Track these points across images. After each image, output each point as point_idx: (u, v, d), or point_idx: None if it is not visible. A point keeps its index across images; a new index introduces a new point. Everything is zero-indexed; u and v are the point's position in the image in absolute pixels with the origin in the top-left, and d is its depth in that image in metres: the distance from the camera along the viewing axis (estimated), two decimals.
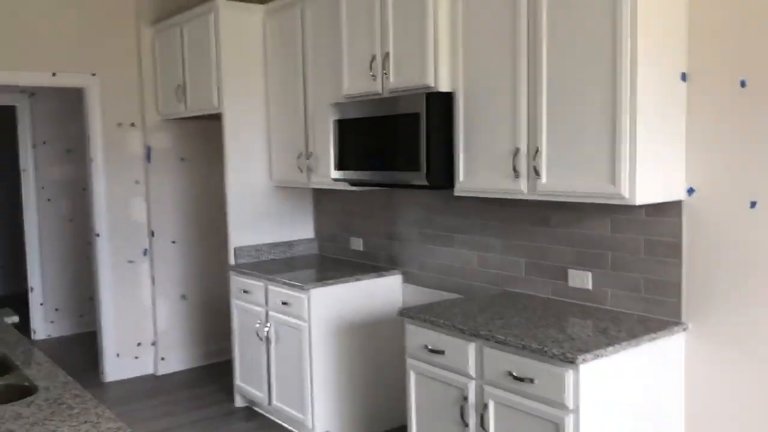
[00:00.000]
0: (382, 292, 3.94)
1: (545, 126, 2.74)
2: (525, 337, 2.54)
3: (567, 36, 2.63)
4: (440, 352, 2.86)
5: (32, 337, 6.24)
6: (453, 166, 3.16)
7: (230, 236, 4.36)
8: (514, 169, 2.85)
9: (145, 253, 5.17)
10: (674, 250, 2.71)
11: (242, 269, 4.19)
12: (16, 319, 3.06)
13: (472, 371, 2.73)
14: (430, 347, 2.90)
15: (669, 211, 2.72)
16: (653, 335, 2.57)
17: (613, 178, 2.52)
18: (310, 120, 4.05)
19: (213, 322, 5.33)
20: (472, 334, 2.70)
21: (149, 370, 5.21)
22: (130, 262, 5.13)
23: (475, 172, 3.05)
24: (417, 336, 2.98)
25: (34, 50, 4.62)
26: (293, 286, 3.74)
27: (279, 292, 3.88)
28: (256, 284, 4.08)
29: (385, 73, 3.38)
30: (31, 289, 6.23)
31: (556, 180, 2.72)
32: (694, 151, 2.64)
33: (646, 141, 2.49)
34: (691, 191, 2.65)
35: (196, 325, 5.33)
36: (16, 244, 6.89)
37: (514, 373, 2.54)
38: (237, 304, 4.30)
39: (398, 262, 4.05)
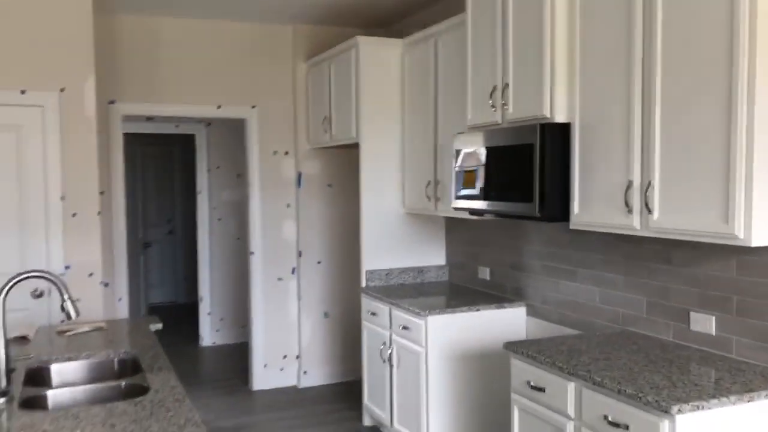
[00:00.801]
0: (504, 323, 3.90)
1: (658, 158, 2.60)
2: (623, 381, 2.42)
3: (681, 63, 2.49)
4: (541, 390, 2.79)
5: (199, 343, 6.88)
6: (568, 198, 3.09)
7: (363, 259, 4.55)
8: (626, 204, 2.73)
9: (293, 271, 5.53)
10: None
11: (371, 292, 4.36)
12: (159, 326, 3.44)
13: (570, 411, 2.64)
14: (532, 383, 2.84)
15: None
16: None
17: (727, 216, 2.33)
18: (439, 149, 4.14)
19: (351, 341, 5.55)
20: (571, 374, 2.61)
21: (292, 382, 5.53)
22: (280, 279, 5.51)
23: (589, 206, 2.96)
24: (521, 371, 2.93)
25: (203, 86, 5.18)
26: (413, 312, 3.82)
27: (401, 316, 3.99)
28: (382, 307, 4.22)
29: (504, 104, 3.38)
30: (201, 299, 6.89)
31: (669, 216, 2.57)
32: None
33: (764, 178, 2.28)
34: None
35: (336, 342, 5.59)
36: (195, 259, 7.63)
37: (610, 418, 2.42)
38: (366, 325, 4.47)
39: (523, 294, 3.99)
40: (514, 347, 2.95)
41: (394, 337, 4.09)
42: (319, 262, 5.51)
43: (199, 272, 6.89)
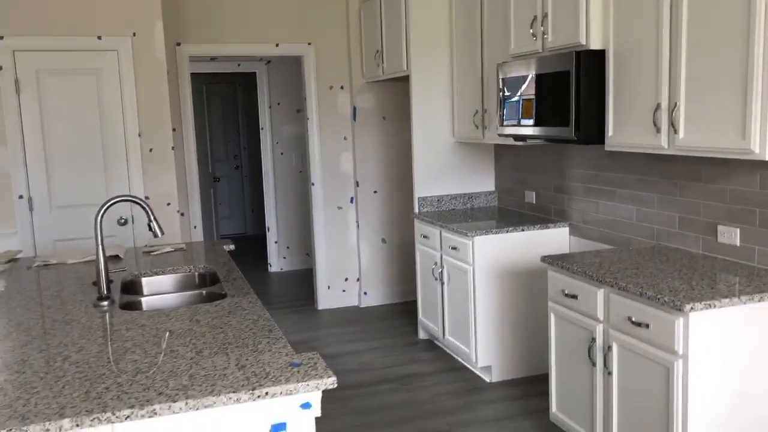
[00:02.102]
0: (548, 242, 4.15)
1: (684, 80, 2.76)
2: (646, 286, 2.66)
3: None
4: (574, 297, 3.06)
5: (268, 270, 7.39)
6: (603, 121, 3.28)
7: (415, 187, 4.84)
8: (655, 124, 2.91)
9: (351, 200, 5.88)
10: None
11: (424, 217, 4.66)
12: (232, 247, 3.84)
13: (599, 315, 2.91)
14: (566, 291, 3.12)
15: None
16: None
17: (744, 132, 2.50)
18: (486, 79, 4.33)
19: (407, 264, 5.91)
20: (600, 281, 2.87)
21: (354, 302, 5.96)
22: (339, 208, 5.87)
23: (622, 128, 3.15)
24: (556, 281, 3.20)
25: (261, 26, 5.46)
26: (460, 233, 4.12)
27: (450, 238, 4.29)
28: (433, 230, 4.53)
29: (544, 33, 3.55)
30: (268, 229, 7.36)
31: (693, 135, 2.75)
32: None
33: None
34: None
35: (393, 266, 5.95)
36: (261, 192, 8.08)
37: (633, 319, 2.68)
38: (419, 248, 4.80)
39: (565, 215, 4.22)
40: (551, 259, 3.22)
41: (444, 257, 4.40)
42: (375, 192, 5.84)
43: (265, 204, 7.34)
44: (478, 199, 4.97)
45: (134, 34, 4.57)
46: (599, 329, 2.92)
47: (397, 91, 5.76)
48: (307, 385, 1.75)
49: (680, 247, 3.32)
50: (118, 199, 2.77)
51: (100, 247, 2.71)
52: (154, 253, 3.68)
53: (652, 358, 2.60)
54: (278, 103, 7.27)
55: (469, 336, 4.17)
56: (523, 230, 4.11)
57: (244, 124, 9.42)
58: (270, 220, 7.34)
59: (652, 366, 2.61)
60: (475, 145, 4.91)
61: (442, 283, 4.45)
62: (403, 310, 5.72)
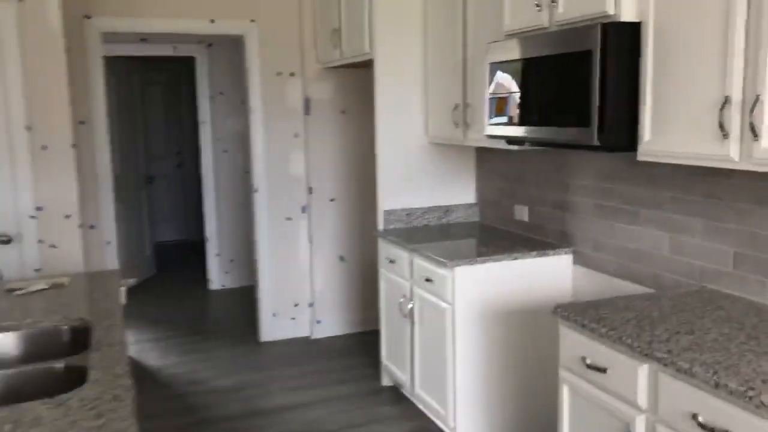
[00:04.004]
0: (547, 274, 3.27)
1: None
2: (721, 369, 1.78)
3: None
4: (602, 371, 2.16)
5: (208, 287, 6.38)
6: (636, 121, 2.39)
7: (379, 198, 3.91)
8: (721, 127, 2.03)
9: (303, 210, 4.92)
10: None
11: (390, 236, 3.73)
12: (132, 282, 2.87)
13: (641, 401, 2.02)
14: (589, 361, 2.22)
15: None
16: None
17: None
18: (469, 64, 3.42)
19: (370, 287, 4.97)
20: (645, 354, 1.98)
21: (304, 333, 5.01)
22: (288, 219, 4.91)
23: (665, 130, 2.26)
24: (574, 343, 2.31)
25: None
26: (437, 261, 3.20)
27: (423, 266, 3.37)
28: (402, 254, 3.60)
29: (553, 1, 2.64)
30: (207, 239, 6.34)
31: None
32: None
33: None
34: None
35: (353, 288, 5.02)
36: (200, 193, 7.02)
37: (701, 419, 1.79)
38: (384, 275, 3.87)
39: (569, 240, 3.33)
40: (566, 312, 2.32)
41: (415, 289, 3.48)
42: (332, 200, 4.89)
43: (204, 210, 6.32)
44: (456, 212, 4.06)
45: None
46: (640, 422, 2.02)
47: (358, 80, 4.80)
48: None
49: (737, 294, 2.45)
50: None
51: None
52: (19, 292, 2.68)
53: None
54: (221, 93, 6.26)
55: (445, 393, 3.25)
56: (516, 258, 3.21)
57: (189, 117, 8.37)
58: (210, 229, 6.32)
59: None
60: (454, 147, 4.00)
61: (413, 323, 3.53)
62: (365, 343, 4.78)
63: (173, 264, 7.38)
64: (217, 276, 6.38)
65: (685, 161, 2.21)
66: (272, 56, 4.70)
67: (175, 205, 8.62)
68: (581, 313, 2.29)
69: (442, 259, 3.14)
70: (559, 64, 2.57)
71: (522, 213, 3.68)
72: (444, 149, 3.98)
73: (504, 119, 2.94)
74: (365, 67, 4.43)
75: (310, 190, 4.84)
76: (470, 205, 4.07)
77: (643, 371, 2.00)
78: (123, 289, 2.92)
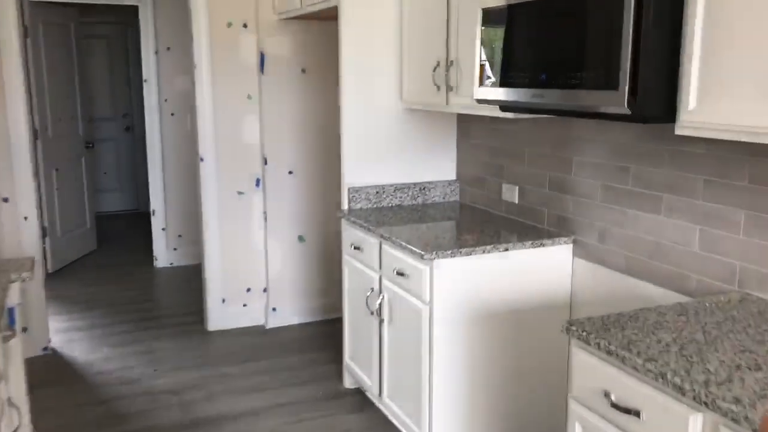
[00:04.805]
0: (542, 268, 2.74)
1: None
2: None
3: None
4: (634, 414, 1.64)
5: (154, 265, 5.75)
6: (676, 85, 1.84)
7: (344, 172, 3.32)
8: None
9: (257, 183, 4.31)
10: None
11: (356, 217, 3.16)
12: (28, 276, 2.27)
13: None
14: (614, 398, 1.70)
15: None
16: None
17: None
18: (454, 12, 2.83)
19: (333, 271, 4.41)
20: (698, 400, 1.46)
21: (258, 321, 4.44)
22: (240, 193, 4.30)
23: (719, 96, 1.72)
24: (593, 372, 1.78)
25: None
26: (412, 252, 2.64)
27: (395, 256, 2.81)
28: (369, 240, 3.04)
29: None
30: (153, 212, 5.69)
31: None
32: None
33: None
34: None
35: (313, 272, 4.45)
36: (145, 160, 6.35)
37: None
38: (348, 261, 3.30)
39: (569, 227, 2.80)
40: (584, 331, 1.79)
41: (385, 282, 2.93)
42: (290, 173, 4.28)
43: (149, 181, 5.66)
44: (434, 191, 3.50)
45: None
46: None
47: (322, 34, 4.17)
48: None
49: None
50: None
51: None
52: None
53: None
54: (168, 48, 5.56)
55: (420, 405, 2.73)
56: (506, 250, 2.67)
57: (136, 76, 7.61)
58: (156, 201, 5.67)
59: None
60: (432, 115, 3.42)
61: (381, 320, 2.99)
62: (325, 335, 4.23)
63: (117, 238, 6.72)
64: (164, 253, 5.75)
65: (743, 136, 1.68)
66: (222, 3, 4.04)
67: (122, 172, 7.91)
68: (603, 333, 1.76)
69: (417, 250, 2.58)
70: (575, 8, 2.01)
71: (511, 193, 3.14)
72: (421, 116, 3.40)
73: (501, 79, 2.37)
74: (330, 18, 3.80)
75: (264, 161, 4.23)
76: (449, 183, 3.51)
77: (696, 420, 1.49)
78: (16, 285, 2.33)
